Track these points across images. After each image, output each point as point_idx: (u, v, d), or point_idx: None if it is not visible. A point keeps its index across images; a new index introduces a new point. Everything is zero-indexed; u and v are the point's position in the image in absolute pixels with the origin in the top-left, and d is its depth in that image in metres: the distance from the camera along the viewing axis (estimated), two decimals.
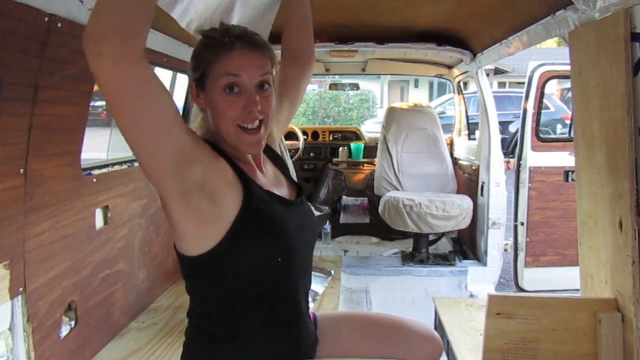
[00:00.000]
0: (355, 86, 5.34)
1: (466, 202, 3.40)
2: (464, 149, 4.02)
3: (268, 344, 1.19)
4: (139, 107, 0.90)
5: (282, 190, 1.26)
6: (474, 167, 3.63)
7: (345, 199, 4.32)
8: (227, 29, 1.14)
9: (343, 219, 4.23)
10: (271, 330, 1.19)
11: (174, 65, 2.69)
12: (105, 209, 2.14)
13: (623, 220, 1.51)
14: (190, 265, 1.13)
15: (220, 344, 1.18)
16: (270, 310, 1.18)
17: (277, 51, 1.30)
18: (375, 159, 4.16)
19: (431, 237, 3.71)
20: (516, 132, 6.64)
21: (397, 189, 3.84)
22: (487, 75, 4.40)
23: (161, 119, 0.94)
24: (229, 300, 1.16)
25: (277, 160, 1.35)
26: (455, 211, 3.33)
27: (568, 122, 6.50)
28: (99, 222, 2.10)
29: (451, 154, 4.12)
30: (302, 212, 1.27)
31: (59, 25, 1.56)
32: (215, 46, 1.11)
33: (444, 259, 3.49)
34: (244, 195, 1.10)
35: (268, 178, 1.24)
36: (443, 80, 4.41)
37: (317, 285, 2.83)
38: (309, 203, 1.38)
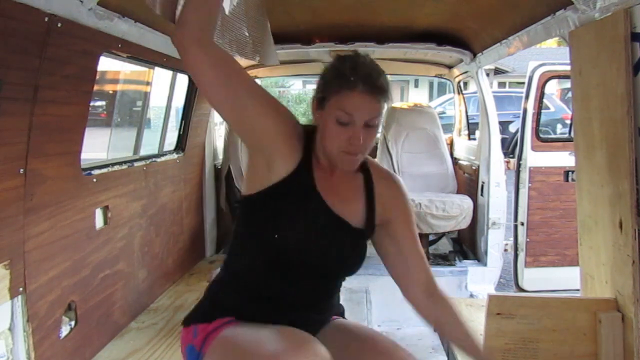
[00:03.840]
0: None
1: (466, 202, 3.39)
2: (464, 149, 4.02)
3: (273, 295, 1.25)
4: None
5: (344, 209, 1.29)
6: (474, 167, 3.62)
7: None
8: (357, 65, 1.19)
9: None
10: (280, 289, 1.25)
11: (174, 65, 2.68)
12: (105, 209, 2.14)
13: (623, 220, 1.51)
14: (244, 203, 1.29)
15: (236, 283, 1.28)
16: (282, 272, 1.25)
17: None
18: (375, 159, 4.14)
19: (431, 237, 3.70)
20: (516, 132, 6.63)
21: None
22: (487, 75, 4.39)
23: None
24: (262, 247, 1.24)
25: (367, 185, 1.34)
26: (455, 211, 3.33)
27: (568, 122, 6.49)
28: (99, 222, 2.10)
29: (451, 154, 4.11)
30: (338, 239, 1.30)
31: (59, 25, 1.56)
32: (342, 79, 1.19)
33: (444, 259, 3.48)
34: (286, 179, 1.21)
35: (334, 189, 1.27)
36: (443, 80, 4.40)
37: None
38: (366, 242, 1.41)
